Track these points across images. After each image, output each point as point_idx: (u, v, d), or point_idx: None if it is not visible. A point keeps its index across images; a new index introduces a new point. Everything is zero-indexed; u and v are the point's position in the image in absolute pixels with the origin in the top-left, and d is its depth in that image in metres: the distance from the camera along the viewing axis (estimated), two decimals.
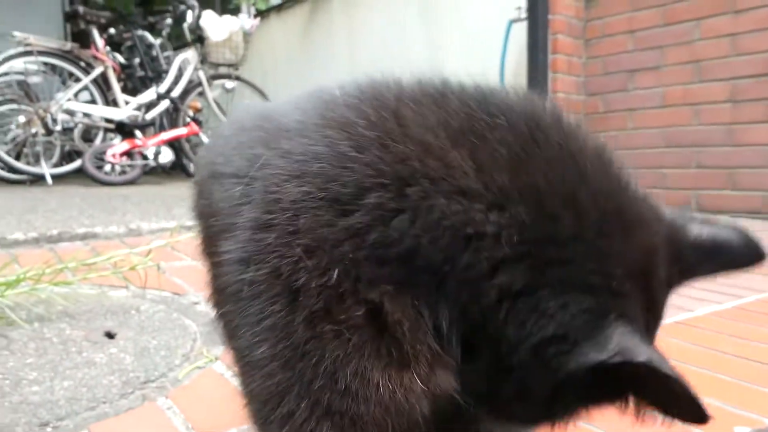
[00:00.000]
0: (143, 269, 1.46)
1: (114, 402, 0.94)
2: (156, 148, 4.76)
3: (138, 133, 4.78)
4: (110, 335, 1.22)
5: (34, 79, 4.77)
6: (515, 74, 4.20)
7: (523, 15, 3.97)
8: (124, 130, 4.77)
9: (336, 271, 0.38)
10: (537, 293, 0.37)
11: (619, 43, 3.69)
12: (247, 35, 5.43)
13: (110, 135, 4.92)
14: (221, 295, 0.45)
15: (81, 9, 4.90)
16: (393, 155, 0.39)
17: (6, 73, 4.51)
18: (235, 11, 6.57)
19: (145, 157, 4.71)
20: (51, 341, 1.17)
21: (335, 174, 0.39)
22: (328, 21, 5.97)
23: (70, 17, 5.12)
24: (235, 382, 1.03)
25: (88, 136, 5.01)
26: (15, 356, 1.09)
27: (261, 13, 6.62)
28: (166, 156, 4.86)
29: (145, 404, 0.95)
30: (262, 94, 5.63)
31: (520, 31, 4.03)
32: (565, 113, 0.45)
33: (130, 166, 4.64)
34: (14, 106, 4.61)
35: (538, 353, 0.37)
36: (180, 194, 3.66)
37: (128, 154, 4.64)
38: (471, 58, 4.62)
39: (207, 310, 1.43)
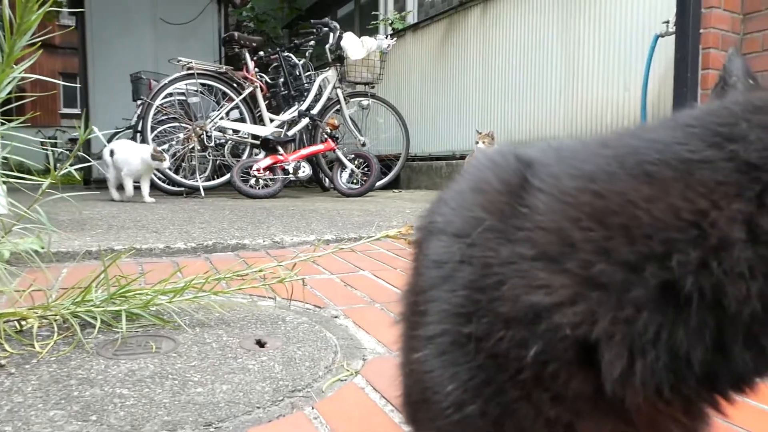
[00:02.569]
0: (289, 282, 1.56)
1: (266, 408, 1.02)
2: (296, 163, 5.05)
3: (280, 148, 5.10)
4: (261, 343, 1.32)
5: (193, 99, 5.26)
6: (659, 90, 4.00)
7: (672, 29, 3.77)
8: (268, 145, 5.10)
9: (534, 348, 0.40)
10: None
11: None
12: (383, 54, 5.61)
13: (255, 150, 5.28)
14: (419, 341, 0.48)
15: (236, 34, 5.33)
16: None
17: (170, 94, 5.01)
18: (373, 32, 6.82)
19: (286, 172, 5.01)
20: (211, 346, 1.29)
21: None
22: (462, 39, 6.02)
23: (226, 42, 5.57)
24: (375, 397, 1.08)
25: (236, 151, 5.42)
26: (182, 358, 1.21)
27: (397, 33, 6.82)
28: (305, 171, 5.14)
29: (294, 413, 1.02)
30: (396, 111, 5.78)
31: (667, 46, 3.83)
32: None
33: (272, 179, 4.94)
34: (176, 124, 5.10)
35: None
36: (316, 208, 3.88)
37: (271, 168, 4.96)
38: (611, 74, 4.46)
39: (346, 324, 1.50)
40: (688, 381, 0.36)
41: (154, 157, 4.27)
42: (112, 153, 4.42)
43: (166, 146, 4.96)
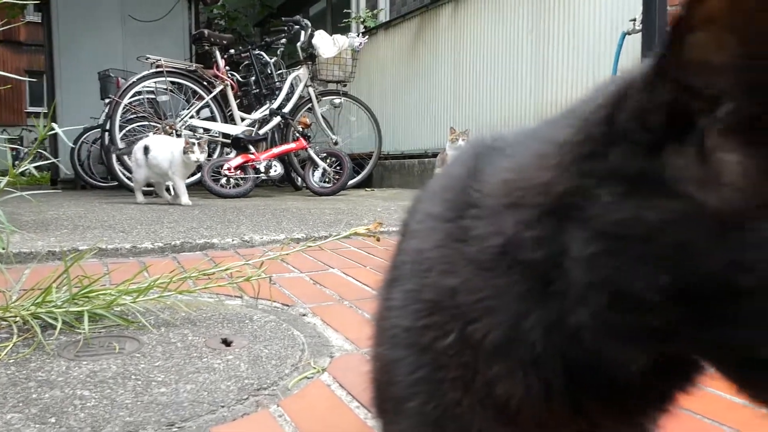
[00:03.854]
0: (256, 280, 1.54)
1: (231, 407, 1.01)
2: (267, 162, 5.01)
3: (251, 147, 5.05)
4: (227, 342, 1.31)
5: (162, 98, 5.19)
6: None
7: (638, 27, 3.83)
8: (239, 144, 5.05)
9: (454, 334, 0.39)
10: None
11: None
12: (355, 52, 5.59)
13: (226, 149, 5.23)
14: (382, 334, 0.48)
15: (206, 32, 5.27)
16: None
17: (139, 92, 4.93)
18: (345, 30, 6.80)
19: (257, 171, 4.97)
20: (176, 346, 1.27)
21: None
22: (434, 37, 6.04)
23: (196, 39, 5.51)
24: (341, 394, 1.08)
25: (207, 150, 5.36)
26: (146, 359, 1.20)
27: (369, 31, 6.81)
28: (277, 170, 5.10)
29: (259, 411, 1.01)
30: (368, 110, 5.78)
31: (635, 43, 3.89)
32: None
33: (243, 179, 4.90)
34: (145, 122, 5.03)
35: None
36: (287, 207, 3.86)
37: (242, 167, 4.91)
38: (580, 72, 4.52)
39: (314, 321, 1.50)
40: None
41: (185, 150, 3.87)
42: (146, 150, 4.01)
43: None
